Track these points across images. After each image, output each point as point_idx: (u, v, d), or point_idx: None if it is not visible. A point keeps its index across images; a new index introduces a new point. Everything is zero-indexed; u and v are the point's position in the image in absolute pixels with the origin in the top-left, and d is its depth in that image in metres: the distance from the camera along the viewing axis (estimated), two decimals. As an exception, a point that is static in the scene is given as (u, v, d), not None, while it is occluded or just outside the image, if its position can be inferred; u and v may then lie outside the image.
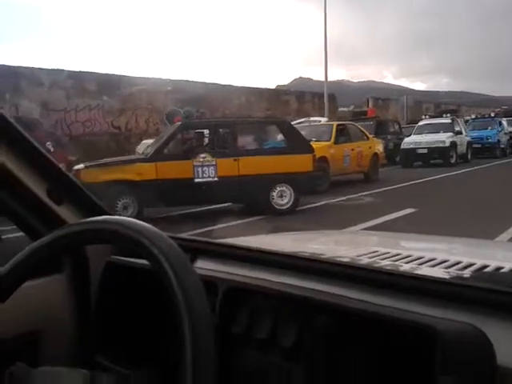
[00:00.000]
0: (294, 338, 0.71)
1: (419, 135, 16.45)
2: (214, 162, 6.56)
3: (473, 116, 21.03)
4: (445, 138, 15.52)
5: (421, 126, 17.12)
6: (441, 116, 17.00)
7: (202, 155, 6.57)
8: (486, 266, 0.90)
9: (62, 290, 0.93)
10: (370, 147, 11.31)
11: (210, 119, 7.36)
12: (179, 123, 7.24)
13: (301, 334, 0.71)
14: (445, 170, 14.19)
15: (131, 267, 0.90)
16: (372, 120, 18.06)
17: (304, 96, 22.94)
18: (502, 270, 0.88)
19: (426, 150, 15.54)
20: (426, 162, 15.98)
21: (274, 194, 7.06)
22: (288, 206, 7.15)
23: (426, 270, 0.87)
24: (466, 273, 0.84)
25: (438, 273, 0.85)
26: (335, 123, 10.89)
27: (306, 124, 11.94)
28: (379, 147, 11.97)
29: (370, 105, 26.78)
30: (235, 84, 19.67)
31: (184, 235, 1.12)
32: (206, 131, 7.07)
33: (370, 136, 11.76)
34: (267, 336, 0.74)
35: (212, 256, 0.96)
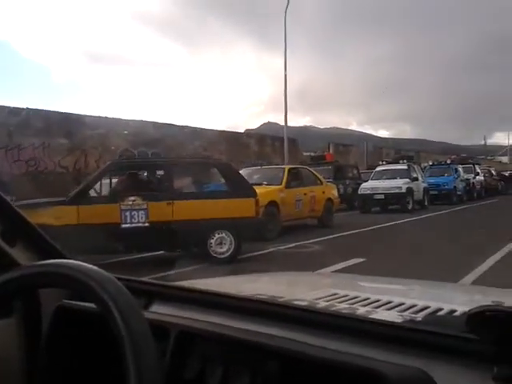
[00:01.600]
0: (247, 383, 0.72)
1: (376, 181, 16.41)
2: (144, 206, 6.00)
3: (430, 162, 21.34)
4: (401, 183, 15.49)
5: (378, 171, 17.13)
6: (397, 162, 17.08)
7: (132, 198, 6.00)
8: (439, 310, 0.91)
9: (11, 335, 0.90)
10: (323, 192, 10.99)
11: (144, 158, 6.85)
12: (108, 163, 6.69)
13: (253, 379, 0.72)
14: (401, 215, 14.06)
15: (83, 311, 0.88)
16: (330, 165, 18.01)
17: (265, 140, 22.90)
18: (455, 314, 0.87)
19: (382, 196, 15.44)
20: (384, 207, 15.89)
21: (213, 241, 6.51)
22: (228, 254, 6.60)
23: (381, 314, 0.88)
24: (419, 316, 0.84)
25: (393, 316, 0.86)
26: (287, 167, 10.57)
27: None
28: (333, 192, 11.69)
29: (331, 150, 27.00)
30: (193, 125, 19.39)
31: (141, 278, 1.08)
32: (140, 172, 6.53)
33: (324, 181, 11.47)
34: (220, 382, 0.75)
35: (168, 299, 0.95)
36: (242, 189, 6.71)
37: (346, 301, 0.98)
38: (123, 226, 5.96)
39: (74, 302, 0.91)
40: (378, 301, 0.97)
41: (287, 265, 6.65)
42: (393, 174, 16.40)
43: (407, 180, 15.90)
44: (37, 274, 0.64)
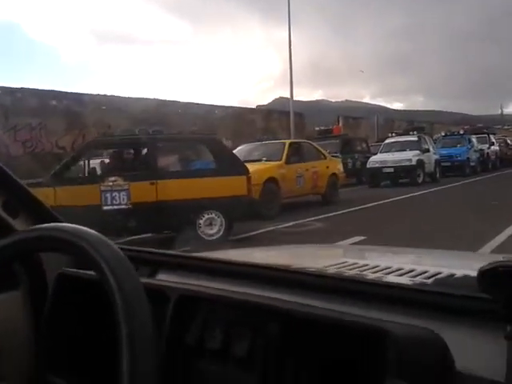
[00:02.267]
0: (247, 346, 0.71)
1: (385, 153, 15.82)
2: (126, 187, 5.61)
3: (442, 133, 20.53)
4: (411, 156, 14.88)
5: (387, 144, 16.50)
6: (407, 134, 16.35)
7: (112, 178, 5.62)
8: (452, 275, 0.87)
9: (19, 307, 0.91)
10: (327, 167, 10.48)
11: (124, 136, 6.42)
12: (87, 141, 6.30)
13: (254, 342, 0.71)
14: (411, 189, 13.52)
15: (84, 278, 0.88)
16: (338, 138, 17.41)
17: (271, 115, 22.31)
18: (468, 275, 0.75)
19: (392, 169, 14.87)
20: (393, 181, 15.34)
21: (201, 221, 6.13)
22: (218, 235, 6.22)
23: (391, 279, 0.86)
24: (431, 281, 0.80)
25: (404, 281, 0.83)
26: (288, 141, 10.05)
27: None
28: (338, 167, 11.17)
29: (341, 123, 26.30)
30: (197, 101, 18.89)
31: (149, 249, 1.08)
32: (124, 150, 6.12)
33: (328, 155, 10.94)
34: (220, 346, 0.74)
35: (174, 268, 0.95)
36: (233, 166, 6.28)
37: (356, 268, 0.96)
38: (104, 208, 5.61)
39: (74, 270, 0.91)
40: (388, 268, 0.95)
41: (285, 244, 6.28)
42: (402, 146, 15.77)
43: (417, 152, 15.26)
44: (32, 238, 0.64)
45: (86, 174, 5.90)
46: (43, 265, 0.93)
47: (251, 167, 8.66)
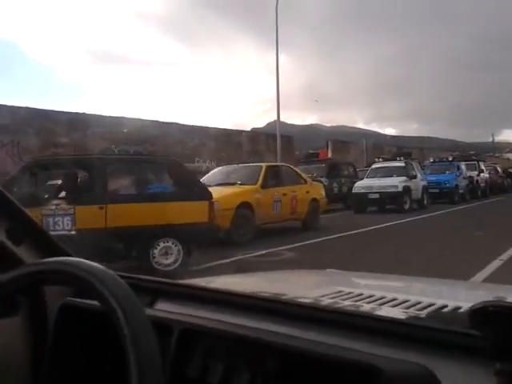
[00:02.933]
0: (246, 381, 0.73)
1: (371, 179, 15.42)
2: (71, 211, 5.09)
3: (431, 159, 20.22)
4: (397, 182, 14.47)
5: (373, 169, 16.12)
6: (394, 159, 15.99)
7: (55, 201, 5.10)
8: (444, 306, 0.90)
9: (18, 333, 0.91)
10: (307, 192, 10.01)
11: (73, 155, 5.93)
12: (27, 161, 5.80)
13: (254, 376, 0.73)
14: (397, 216, 13.09)
15: (87, 309, 0.87)
16: (324, 162, 17.04)
17: (259, 137, 21.99)
18: (460, 311, 0.86)
19: (377, 195, 14.43)
20: (380, 207, 14.90)
21: (156, 251, 5.58)
22: (175, 265, 5.67)
23: (386, 311, 0.88)
24: (424, 313, 0.83)
25: (398, 313, 0.85)
26: (265, 164, 9.57)
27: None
28: (320, 192, 10.68)
29: (330, 147, 26.06)
30: (182, 123, 18.54)
31: (147, 276, 1.07)
32: (70, 171, 5.60)
33: (310, 179, 10.48)
34: (221, 380, 0.75)
35: (173, 297, 0.96)
36: (194, 190, 5.78)
37: (351, 298, 0.97)
38: (45, 234, 5.06)
39: (78, 300, 0.90)
40: (382, 298, 0.96)
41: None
42: (389, 172, 15.37)
43: (404, 178, 14.87)
44: (40, 271, 0.65)
45: (28, 197, 5.37)
46: (45, 294, 0.92)
47: (224, 191, 8.20)
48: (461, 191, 18.70)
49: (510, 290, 1.23)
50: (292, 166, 10.54)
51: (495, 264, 5.96)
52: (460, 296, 1.23)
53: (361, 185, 15.01)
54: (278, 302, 0.86)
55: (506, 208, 16.69)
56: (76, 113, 14.94)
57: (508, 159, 57.68)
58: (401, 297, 0.96)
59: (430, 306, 0.89)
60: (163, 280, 1.04)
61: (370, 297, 0.97)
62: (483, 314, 0.57)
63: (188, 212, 5.61)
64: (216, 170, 10.10)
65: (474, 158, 22.37)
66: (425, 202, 16.18)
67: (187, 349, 0.79)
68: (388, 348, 0.66)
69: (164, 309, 0.90)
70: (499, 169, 26.02)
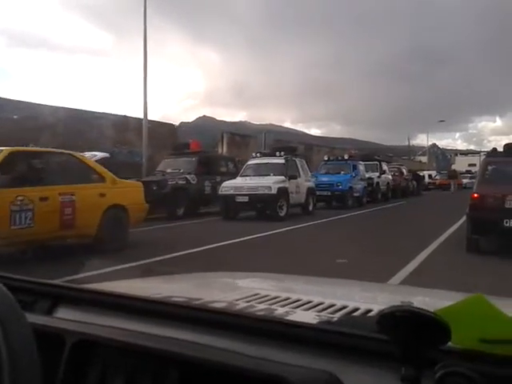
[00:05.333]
0: None
1: (243, 178, 12.56)
2: None
3: (325, 157, 17.81)
4: (271, 183, 11.69)
5: (248, 166, 13.26)
6: (274, 155, 13.20)
7: None
8: (356, 309, 0.92)
9: None
10: (101, 194, 6.75)
11: None
12: None
13: None
14: (270, 225, 10.34)
15: None
16: (194, 156, 13.95)
17: (129, 123, 18.37)
18: (370, 314, 0.86)
19: (246, 198, 11.57)
20: (252, 212, 12.09)
21: None
22: None
23: (299, 314, 0.88)
24: (336, 316, 0.84)
25: (310, 317, 0.85)
26: (5, 149, 5.93)
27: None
28: (130, 195, 7.36)
29: (226, 141, 23.20)
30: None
31: (46, 280, 0.98)
32: None
33: (112, 176, 7.14)
34: None
35: (75, 303, 0.89)
36: None
37: (266, 301, 0.97)
38: None
39: None
40: (298, 301, 0.97)
41: None
42: (265, 170, 12.61)
43: (281, 178, 12.13)
44: None
45: None
46: None
47: None
48: (356, 194, 16.45)
49: (423, 294, 1.34)
50: (79, 155, 7.11)
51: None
52: (374, 298, 1.27)
53: (229, 185, 12.08)
54: (189, 307, 0.82)
55: (400, 216, 14.53)
56: None
57: (420, 161, 58.61)
58: (316, 299, 0.98)
59: (342, 308, 0.92)
60: (65, 284, 0.96)
61: (286, 299, 0.98)
62: (391, 319, 0.57)
63: None
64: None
65: (376, 157, 20.34)
66: (310, 207, 13.60)
67: (83, 362, 0.73)
68: (297, 354, 0.65)
69: (63, 317, 0.84)
70: (404, 170, 24.45)
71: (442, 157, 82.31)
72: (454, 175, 32.95)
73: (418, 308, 0.56)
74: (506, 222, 6.40)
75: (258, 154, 13.52)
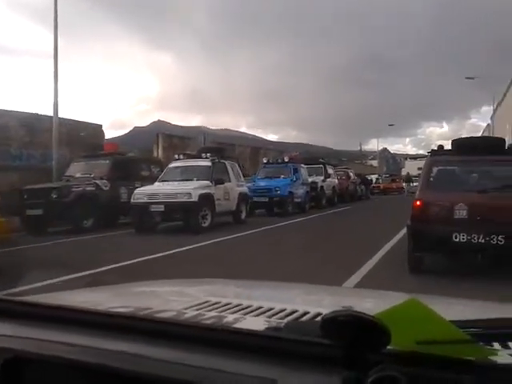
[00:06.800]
0: None
1: (161, 183, 10.82)
2: None
3: (264, 160, 16.30)
4: (191, 188, 10.00)
5: (169, 169, 11.52)
6: (199, 156, 11.54)
7: None
8: (306, 313, 0.92)
9: None
10: None
11: None
12: None
13: None
14: (186, 240, 8.69)
15: None
16: (108, 158, 12.08)
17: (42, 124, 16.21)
18: (318, 319, 0.80)
19: (162, 207, 9.83)
20: (176, 222, 10.37)
21: None
22: None
23: (248, 321, 0.88)
24: (284, 322, 0.83)
25: (259, 323, 0.84)
26: None
27: None
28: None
29: (161, 143, 21.35)
30: None
31: None
32: None
33: None
34: None
35: (12, 317, 0.84)
36: None
37: (217, 308, 0.96)
38: None
39: None
40: (248, 307, 0.97)
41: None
42: (187, 174, 10.92)
43: (205, 183, 10.47)
44: None
45: None
46: None
47: None
48: (297, 200, 15.02)
49: (372, 295, 1.39)
50: None
51: None
52: (324, 302, 1.28)
53: (142, 192, 10.30)
54: (134, 318, 0.80)
55: (342, 223, 13.18)
56: None
57: (371, 165, 58.66)
58: (266, 305, 0.98)
59: (292, 313, 0.92)
60: (2, 298, 0.93)
61: (237, 306, 0.97)
62: (334, 324, 0.58)
63: None
64: None
65: (320, 160, 19.05)
66: (243, 215, 12.02)
67: (16, 381, 0.71)
68: (244, 363, 0.65)
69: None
70: (352, 174, 23.38)
71: (392, 161, 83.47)
72: (408, 179, 31.78)
73: (360, 312, 0.57)
74: (456, 237, 5.02)
75: (181, 156, 11.80)
